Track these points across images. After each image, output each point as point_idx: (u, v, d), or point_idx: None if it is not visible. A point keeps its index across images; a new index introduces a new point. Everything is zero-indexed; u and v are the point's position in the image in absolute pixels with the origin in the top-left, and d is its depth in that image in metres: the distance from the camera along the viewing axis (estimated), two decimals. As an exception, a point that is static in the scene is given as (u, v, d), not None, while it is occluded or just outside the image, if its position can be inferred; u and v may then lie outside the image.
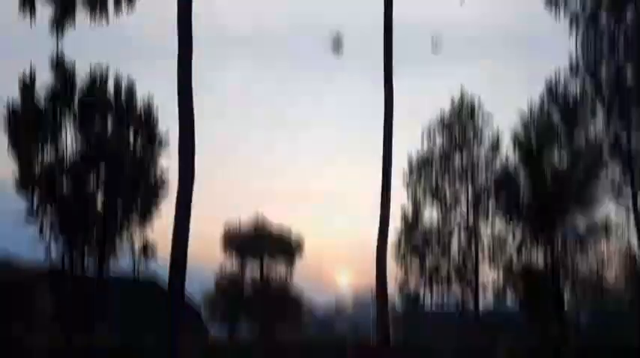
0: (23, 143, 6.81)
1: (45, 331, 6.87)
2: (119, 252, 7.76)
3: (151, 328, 9.05)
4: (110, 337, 8.16)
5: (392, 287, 12.06)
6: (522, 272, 11.99)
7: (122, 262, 8.01)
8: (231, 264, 15.00)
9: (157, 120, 7.95)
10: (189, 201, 8.47)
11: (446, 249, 12.80)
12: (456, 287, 12.71)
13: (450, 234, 12.92)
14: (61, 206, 7.06)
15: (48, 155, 7.12)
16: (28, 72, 6.98)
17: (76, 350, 6.56)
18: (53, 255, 7.14)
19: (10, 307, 6.41)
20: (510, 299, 12.82)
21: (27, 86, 6.84)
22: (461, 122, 13.42)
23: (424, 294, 12.98)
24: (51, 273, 7.10)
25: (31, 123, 6.79)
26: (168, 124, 8.31)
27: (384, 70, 12.34)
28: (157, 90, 8.40)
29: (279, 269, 15.41)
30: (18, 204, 6.98)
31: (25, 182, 6.72)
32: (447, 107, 13.43)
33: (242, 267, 15.43)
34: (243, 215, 13.96)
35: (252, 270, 15.46)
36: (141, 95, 8.00)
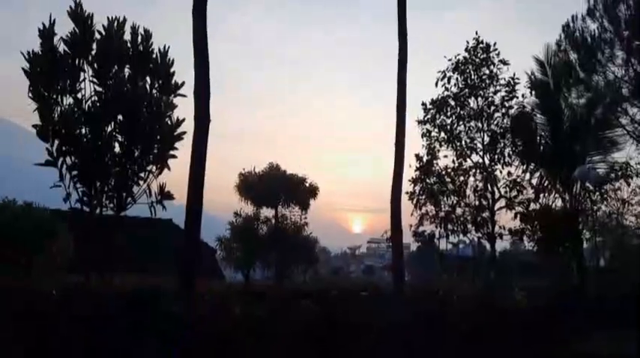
0: (43, 92, 7.00)
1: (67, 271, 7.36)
2: (136, 196, 8.09)
3: (168, 270, 9.64)
4: (129, 276, 8.69)
5: (407, 232, 12.46)
6: (540, 214, 12.17)
7: (141, 207, 8.36)
8: (246, 211, 15.60)
9: (172, 70, 8.07)
10: (205, 146, 8.83)
11: (461, 192, 13.02)
12: (471, 231, 13.04)
13: (466, 176, 13.11)
14: (80, 152, 7.35)
15: (67, 103, 7.30)
16: (47, 24, 7.03)
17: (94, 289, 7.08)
18: (73, 199, 7.49)
19: (32, 248, 6.85)
20: (527, 242, 13.17)
21: (46, 37, 6.94)
22: (475, 65, 13.28)
23: (439, 238, 13.39)
24: (71, 215, 7.50)
25: (51, 72, 6.94)
26: (183, 75, 8.54)
27: (398, 14, 12.22)
28: (173, 42, 8.51)
29: (293, 215, 15.97)
30: (39, 151, 7.26)
31: (46, 130, 6.98)
32: (461, 51, 13.38)
33: (257, 213, 15.97)
34: (257, 163, 14.33)
35: (266, 217, 16.05)
36: (157, 46, 8.06)
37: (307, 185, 15.05)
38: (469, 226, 12.99)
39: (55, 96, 7.34)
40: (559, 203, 12.17)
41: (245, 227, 13.21)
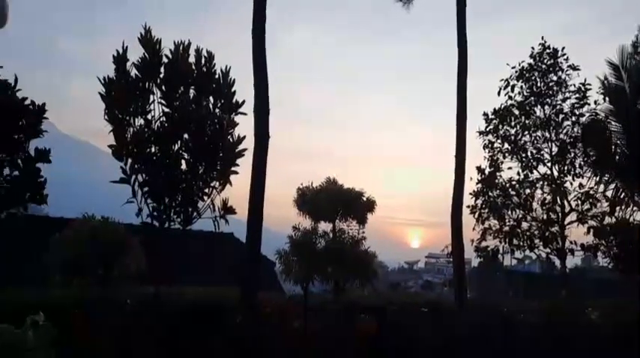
0: (117, 114, 7.70)
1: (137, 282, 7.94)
2: (201, 211, 8.62)
3: (230, 281, 10.10)
4: (193, 288, 9.19)
5: (468, 247, 12.25)
6: (617, 229, 11.54)
7: (204, 221, 8.88)
8: (304, 225, 15.86)
9: (233, 89, 8.59)
10: (264, 162, 9.28)
11: (528, 206, 12.60)
12: (539, 246, 12.55)
13: (533, 189, 12.69)
14: (151, 170, 7.97)
15: (138, 124, 7.97)
16: (120, 50, 7.75)
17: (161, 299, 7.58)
18: (144, 214, 8.10)
19: (109, 260, 7.45)
20: (602, 258, 12.50)
21: (120, 63, 7.65)
22: (542, 71, 12.90)
23: (503, 253, 13.00)
24: (142, 229, 8.11)
25: (124, 96, 7.63)
26: (242, 94, 9.07)
27: (457, 21, 12.27)
28: (233, 61, 9.07)
29: (351, 229, 16.05)
30: (114, 170, 7.96)
31: (120, 149, 7.65)
32: (525, 58, 13.05)
33: (315, 227, 16.21)
34: (315, 178, 14.67)
35: (324, 231, 16.23)
36: (219, 66, 8.63)
37: (364, 199, 15.15)
38: (536, 241, 12.53)
39: (127, 118, 8.04)
40: (638, 216, 11.51)
41: (303, 241, 13.47)
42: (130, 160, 8.01)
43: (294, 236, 10.27)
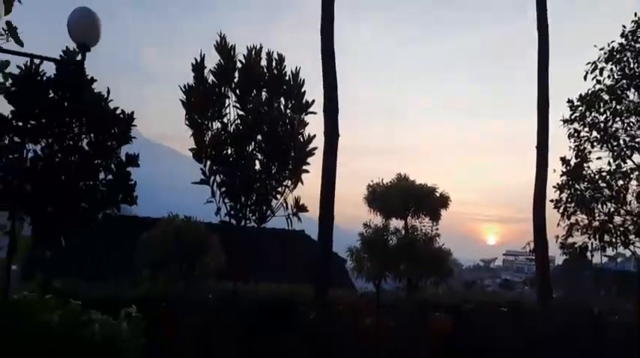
0: (197, 119, 8.22)
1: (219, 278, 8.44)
2: (275, 209, 8.95)
3: (303, 278, 10.42)
4: (267, 285, 9.58)
5: (552, 244, 11.67)
6: None
7: (277, 219, 9.22)
8: (375, 222, 15.90)
9: (303, 90, 8.83)
10: (334, 160, 9.44)
11: (621, 199, 11.70)
12: (635, 242, 11.63)
13: (626, 180, 11.76)
14: (227, 171, 8.44)
15: (215, 128, 8.45)
16: (198, 59, 8.26)
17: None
18: (222, 213, 8.57)
19: (191, 258, 7.99)
20: None
21: (198, 70, 8.16)
22: (636, 51, 11.85)
23: (592, 250, 12.19)
24: (220, 228, 8.59)
25: (202, 102, 8.13)
26: (313, 94, 9.29)
27: (537, 3, 11.63)
28: (301, 62, 9.33)
29: (423, 226, 15.83)
30: (195, 172, 8.52)
31: (199, 152, 8.16)
32: (615, 38, 12.05)
33: (386, 224, 16.19)
34: (385, 174, 14.61)
35: (396, 228, 16.17)
36: (289, 68, 8.91)
37: (438, 194, 14.85)
38: (631, 237, 11.61)
39: (206, 123, 8.57)
40: None
41: (375, 238, 13.51)
42: (208, 162, 8.53)
43: (365, 233, 10.37)
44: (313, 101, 9.28)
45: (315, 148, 9.20)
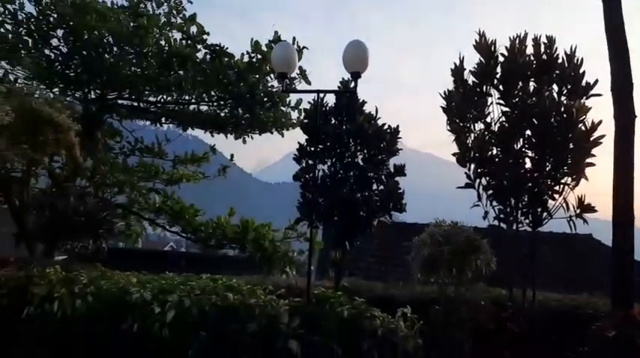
0: (458, 123, 8.51)
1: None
2: (552, 211, 8.43)
3: (591, 288, 9.37)
4: (550, 293, 9.02)
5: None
6: None
7: (556, 221, 8.64)
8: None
9: (582, 71, 8.08)
10: (631, 148, 8.14)
11: None
12: None
13: None
14: (494, 173, 8.40)
15: (478, 129, 8.54)
16: (457, 62, 8.57)
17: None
18: (490, 216, 8.54)
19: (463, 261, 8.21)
20: None
21: (458, 74, 8.46)
22: None
23: None
24: (490, 232, 8.57)
25: (464, 104, 8.38)
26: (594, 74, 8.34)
27: None
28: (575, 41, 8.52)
29: None
30: (459, 176, 8.79)
31: (463, 156, 8.39)
32: None
33: None
34: None
35: None
36: (562, 50, 8.32)
37: None
38: None
39: (468, 125, 8.72)
40: None
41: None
42: (472, 165, 8.65)
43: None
44: (596, 81, 8.32)
45: (602, 136, 8.25)
